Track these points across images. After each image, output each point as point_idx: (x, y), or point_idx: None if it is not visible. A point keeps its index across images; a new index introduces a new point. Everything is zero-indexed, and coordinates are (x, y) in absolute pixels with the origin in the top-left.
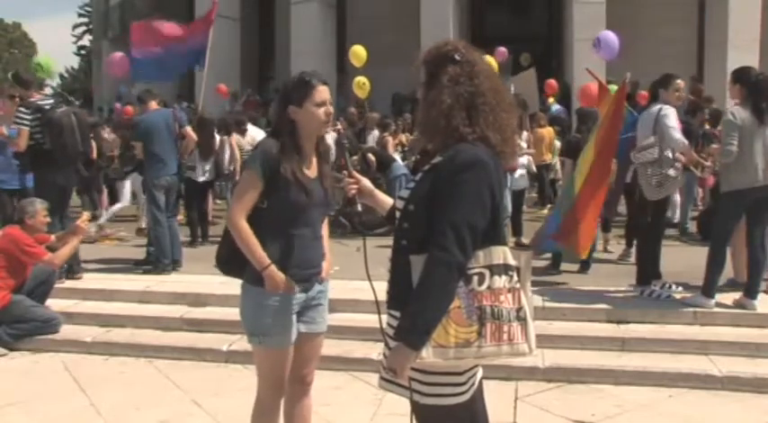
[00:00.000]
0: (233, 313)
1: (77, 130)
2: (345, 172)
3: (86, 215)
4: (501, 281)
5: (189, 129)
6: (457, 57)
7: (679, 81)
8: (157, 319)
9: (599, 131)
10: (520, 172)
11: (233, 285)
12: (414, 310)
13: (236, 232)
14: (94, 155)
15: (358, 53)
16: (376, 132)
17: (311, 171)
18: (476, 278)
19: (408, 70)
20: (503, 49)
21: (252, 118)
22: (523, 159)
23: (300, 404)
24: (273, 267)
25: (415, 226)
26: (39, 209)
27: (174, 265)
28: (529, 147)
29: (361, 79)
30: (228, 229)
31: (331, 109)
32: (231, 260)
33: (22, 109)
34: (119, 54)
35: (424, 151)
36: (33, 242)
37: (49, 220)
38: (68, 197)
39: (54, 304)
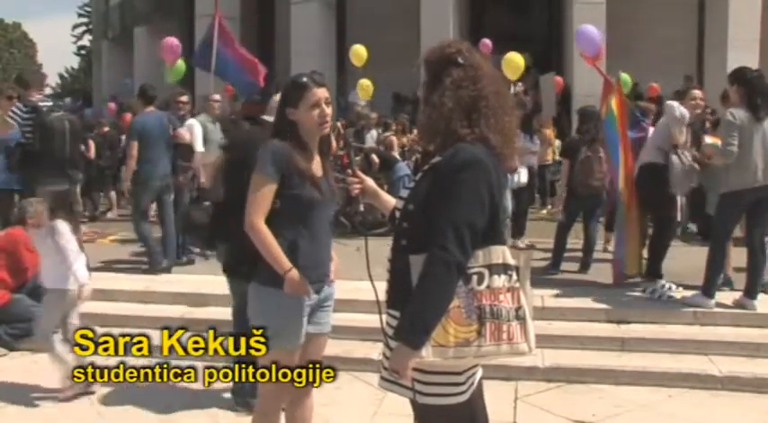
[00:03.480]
0: None
1: (69, 137)
2: (349, 170)
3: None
4: (500, 280)
5: (181, 130)
6: (460, 60)
7: (695, 92)
8: (157, 319)
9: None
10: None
11: None
12: (413, 309)
13: (256, 235)
14: (92, 155)
15: (359, 52)
16: (374, 132)
17: (317, 169)
18: (475, 277)
19: (409, 70)
20: (487, 41)
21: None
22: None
23: (302, 404)
24: (295, 271)
25: (415, 226)
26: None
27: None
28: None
29: (364, 82)
30: (232, 234)
31: (327, 111)
32: (237, 264)
33: (19, 105)
34: (172, 39)
35: (425, 152)
36: None
37: None
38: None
39: None
